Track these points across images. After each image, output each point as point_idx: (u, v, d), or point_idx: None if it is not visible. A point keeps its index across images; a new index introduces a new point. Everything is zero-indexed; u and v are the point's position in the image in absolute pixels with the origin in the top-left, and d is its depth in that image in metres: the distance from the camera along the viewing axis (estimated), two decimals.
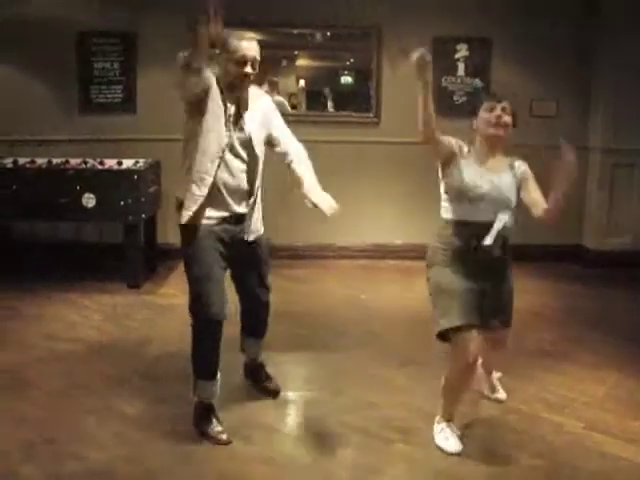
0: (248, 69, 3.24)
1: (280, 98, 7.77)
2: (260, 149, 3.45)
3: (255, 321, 3.89)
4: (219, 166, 3.27)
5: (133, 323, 5.12)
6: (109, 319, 5.21)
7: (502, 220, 3.19)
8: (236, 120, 3.33)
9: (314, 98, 8.50)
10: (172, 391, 3.89)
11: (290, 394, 3.99)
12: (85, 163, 6.12)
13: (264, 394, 3.90)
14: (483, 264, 3.22)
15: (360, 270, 6.85)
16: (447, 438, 3.34)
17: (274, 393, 3.90)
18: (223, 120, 3.27)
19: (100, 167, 6.07)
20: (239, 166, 3.36)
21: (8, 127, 6.69)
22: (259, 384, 3.97)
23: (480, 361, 3.61)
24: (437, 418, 3.44)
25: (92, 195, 5.74)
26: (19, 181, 5.81)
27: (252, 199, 3.47)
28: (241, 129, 3.35)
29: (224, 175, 3.31)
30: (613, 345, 4.83)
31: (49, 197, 5.74)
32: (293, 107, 8.34)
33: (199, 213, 3.29)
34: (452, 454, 3.27)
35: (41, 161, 6.12)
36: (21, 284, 5.92)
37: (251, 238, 3.55)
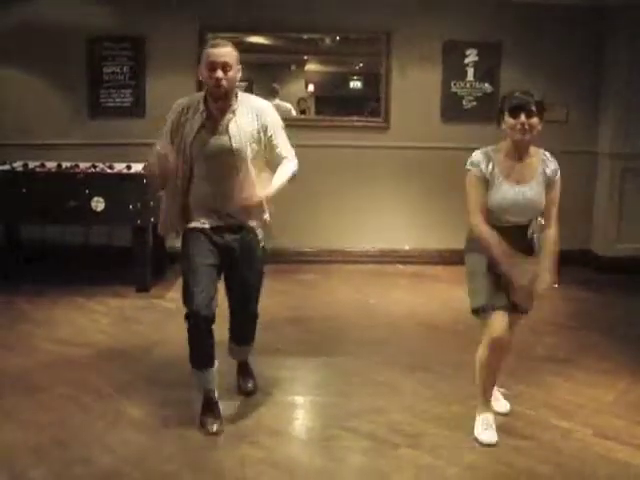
0: (219, 74, 3.32)
1: (285, 104, 7.78)
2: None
3: (233, 326, 3.86)
4: None
5: (142, 327, 5.13)
6: (118, 323, 5.22)
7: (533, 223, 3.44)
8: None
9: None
10: (180, 395, 3.88)
11: (298, 398, 3.99)
12: (94, 167, 6.14)
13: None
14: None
15: (369, 275, 6.84)
16: (485, 429, 3.46)
17: (245, 393, 3.96)
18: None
19: (109, 171, 6.09)
20: None
21: (18, 131, 6.72)
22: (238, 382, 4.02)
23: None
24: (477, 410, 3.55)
25: (101, 199, 5.76)
26: (29, 184, 5.83)
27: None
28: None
29: None
30: (623, 351, 4.81)
31: (58, 200, 5.76)
32: (302, 112, 8.35)
33: None
34: (487, 445, 3.40)
35: (51, 165, 6.14)
36: (30, 287, 5.94)
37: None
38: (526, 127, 3.27)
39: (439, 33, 6.96)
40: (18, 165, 6.15)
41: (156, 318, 5.30)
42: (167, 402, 3.83)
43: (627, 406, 3.91)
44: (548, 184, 3.41)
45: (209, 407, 3.56)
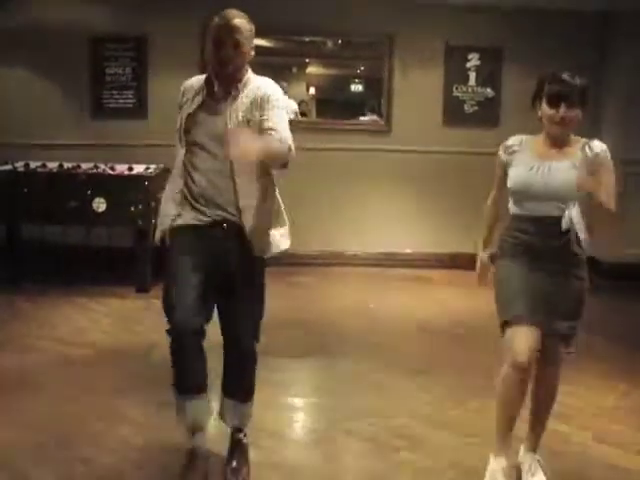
0: (224, 52, 2.85)
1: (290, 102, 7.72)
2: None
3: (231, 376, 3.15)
4: None
5: (141, 327, 5.12)
6: (118, 323, 5.23)
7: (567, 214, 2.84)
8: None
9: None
10: None
11: (297, 400, 3.99)
12: (96, 168, 6.15)
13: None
14: (544, 258, 2.88)
15: (369, 278, 6.84)
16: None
17: None
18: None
19: (111, 172, 6.10)
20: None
21: (20, 131, 6.73)
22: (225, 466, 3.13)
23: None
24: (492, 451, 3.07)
25: (103, 199, 5.77)
26: (30, 185, 5.85)
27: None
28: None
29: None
30: (623, 355, 4.82)
31: (60, 201, 5.78)
32: (303, 114, 8.35)
33: None
34: None
35: (52, 165, 6.15)
36: (31, 287, 5.95)
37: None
38: (566, 121, 2.81)
39: (441, 37, 6.97)
40: (20, 165, 6.16)
41: (156, 318, 5.22)
42: (167, 402, 3.80)
43: (627, 411, 3.92)
44: (592, 165, 2.84)
45: (193, 460, 3.08)
